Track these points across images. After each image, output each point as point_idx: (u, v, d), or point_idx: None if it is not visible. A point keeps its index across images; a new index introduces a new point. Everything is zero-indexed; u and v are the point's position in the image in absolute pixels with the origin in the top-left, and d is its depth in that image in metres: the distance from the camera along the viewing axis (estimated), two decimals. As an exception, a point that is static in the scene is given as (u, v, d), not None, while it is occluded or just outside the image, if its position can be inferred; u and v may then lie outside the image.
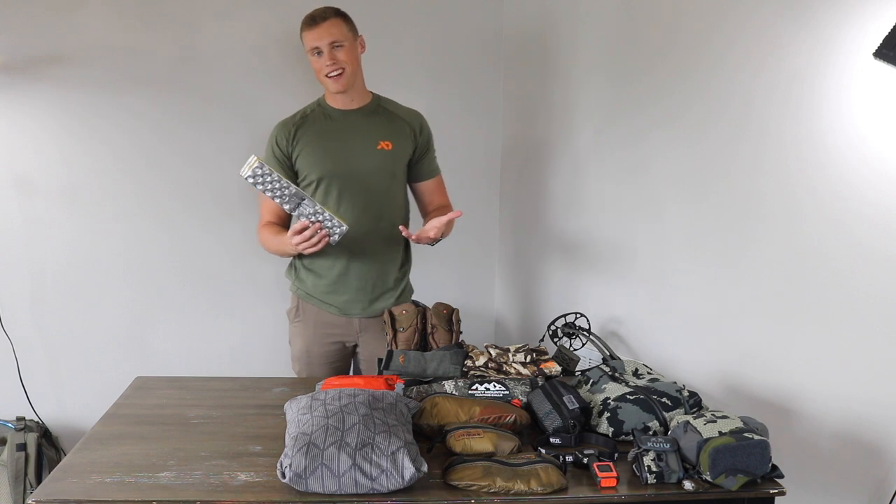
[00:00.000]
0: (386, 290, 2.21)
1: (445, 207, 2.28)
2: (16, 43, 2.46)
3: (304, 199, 1.94)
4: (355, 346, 2.26)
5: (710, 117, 2.04)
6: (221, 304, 2.78)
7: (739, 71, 1.93)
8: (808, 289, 1.79)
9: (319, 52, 2.07)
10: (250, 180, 1.91)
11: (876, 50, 1.52)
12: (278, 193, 1.93)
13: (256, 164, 1.89)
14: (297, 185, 2.17)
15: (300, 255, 2.20)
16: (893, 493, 1.61)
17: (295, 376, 2.23)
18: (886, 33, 1.51)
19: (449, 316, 1.98)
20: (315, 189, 2.14)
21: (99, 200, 2.62)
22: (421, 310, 2.00)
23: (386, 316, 2.02)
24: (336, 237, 1.97)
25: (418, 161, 2.24)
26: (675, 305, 2.22)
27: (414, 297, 2.29)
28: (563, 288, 2.73)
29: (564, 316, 2.24)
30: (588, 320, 2.23)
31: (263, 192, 1.93)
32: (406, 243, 2.28)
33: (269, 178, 1.91)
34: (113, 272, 2.67)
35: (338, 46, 2.07)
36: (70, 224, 2.61)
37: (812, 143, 1.75)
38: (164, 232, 2.69)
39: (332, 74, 2.08)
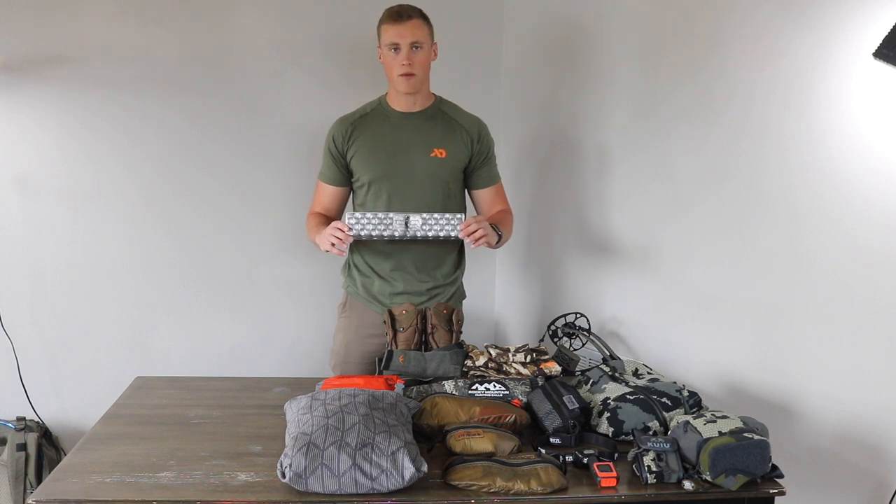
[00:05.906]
0: (435, 295, 2.20)
1: (504, 213, 2.26)
2: (16, 43, 2.46)
3: (409, 217, 1.98)
4: None
5: (710, 118, 2.04)
6: (222, 304, 2.78)
7: (739, 71, 1.93)
8: (808, 289, 1.79)
9: (397, 49, 2.04)
10: (357, 236, 1.98)
11: (876, 50, 1.53)
12: (387, 229, 1.97)
13: (352, 220, 1.96)
14: (352, 185, 2.20)
15: (354, 255, 2.22)
16: (893, 493, 1.61)
17: (292, 377, 2.22)
18: (886, 33, 1.51)
19: (449, 316, 1.98)
20: (367, 191, 2.15)
21: (99, 200, 2.62)
22: (421, 310, 2.00)
23: (386, 316, 2.01)
24: (454, 231, 1.99)
25: (476, 169, 2.22)
26: (675, 305, 2.22)
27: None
28: (564, 287, 2.73)
29: (564, 316, 2.24)
30: (588, 320, 2.23)
31: (371, 236, 1.98)
32: (460, 248, 2.27)
33: (366, 223, 1.96)
34: (113, 272, 2.67)
35: (417, 48, 2.05)
36: (70, 224, 2.61)
37: (812, 143, 1.75)
38: (164, 232, 2.69)
39: (405, 73, 2.06)
